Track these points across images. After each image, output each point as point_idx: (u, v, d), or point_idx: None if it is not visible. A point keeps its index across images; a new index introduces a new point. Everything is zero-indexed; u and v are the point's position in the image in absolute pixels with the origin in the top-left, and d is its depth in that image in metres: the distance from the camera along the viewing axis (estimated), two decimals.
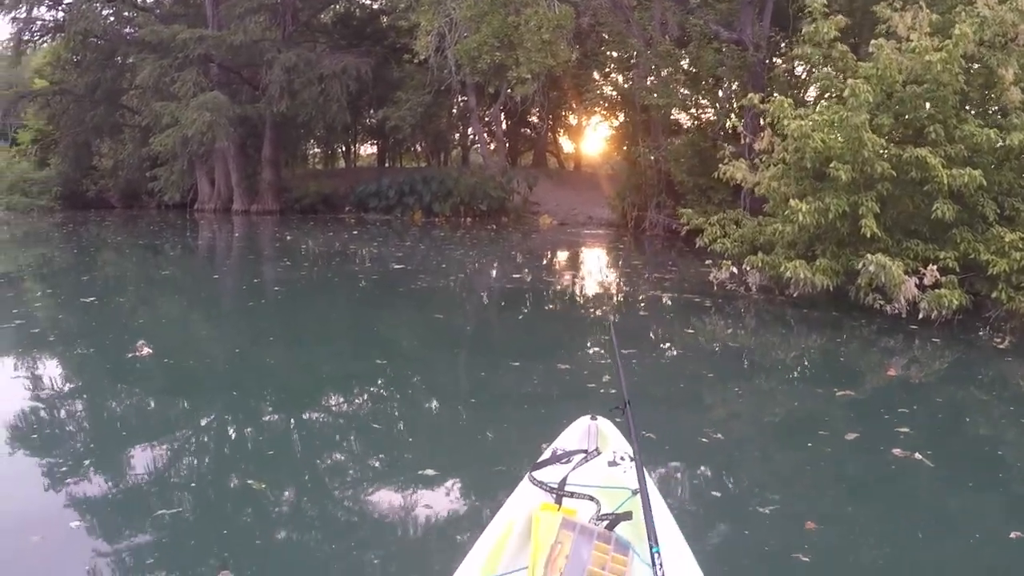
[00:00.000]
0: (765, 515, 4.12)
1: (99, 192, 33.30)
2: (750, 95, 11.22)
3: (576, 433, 3.30)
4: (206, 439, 5.47)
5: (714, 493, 4.43)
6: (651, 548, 2.09)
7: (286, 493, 4.46)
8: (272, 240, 21.71)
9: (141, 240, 21.42)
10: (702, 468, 4.85)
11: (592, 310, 11.14)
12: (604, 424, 3.30)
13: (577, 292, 13.18)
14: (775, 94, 10.70)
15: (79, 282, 13.06)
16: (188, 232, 24.52)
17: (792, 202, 9.41)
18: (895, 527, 4.13)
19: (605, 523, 2.40)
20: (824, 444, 5.25)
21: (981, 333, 8.72)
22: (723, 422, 5.88)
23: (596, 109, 27.61)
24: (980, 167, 8.91)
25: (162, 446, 5.12)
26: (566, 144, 42.06)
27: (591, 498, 2.59)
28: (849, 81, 9.38)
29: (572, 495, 2.61)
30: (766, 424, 6.06)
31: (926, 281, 8.76)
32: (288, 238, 21.79)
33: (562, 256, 19.36)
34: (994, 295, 8.79)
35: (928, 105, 9.59)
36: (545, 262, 18.09)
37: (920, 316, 8.75)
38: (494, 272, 15.88)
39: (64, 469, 4.68)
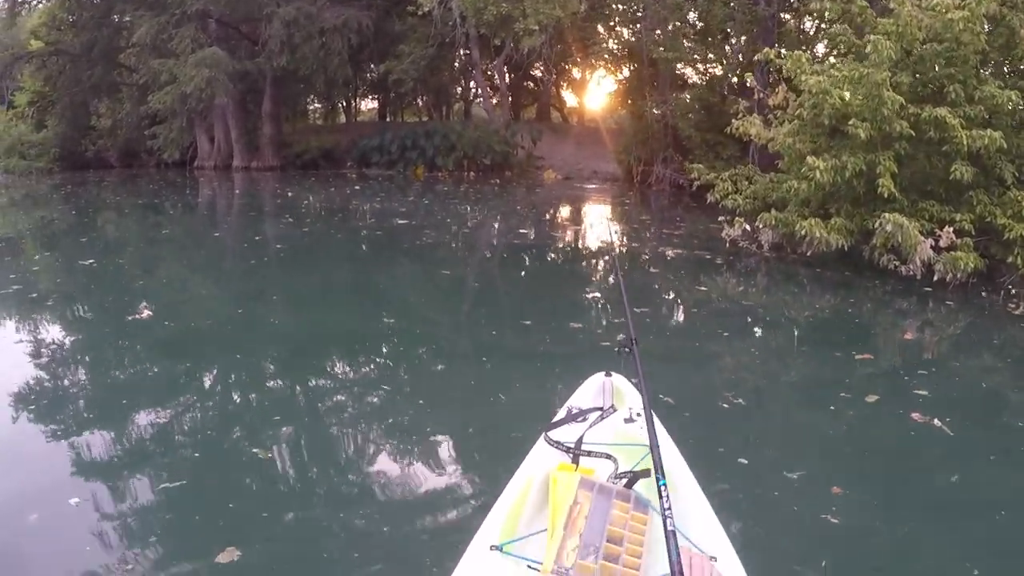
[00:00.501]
0: (792, 479, 4.05)
1: (98, 152, 32.93)
2: (765, 50, 10.93)
3: (591, 390, 3.25)
4: (210, 406, 5.35)
5: (740, 459, 4.32)
6: (657, 481, 2.03)
7: (293, 462, 4.36)
8: (273, 196, 21.47)
9: (141, 199, 21.22)
10: (725, 433, 4.72)
11: (601, 267, 10.98)
12: (619, 380, 3.26)
13: (585, 248, 13.01)
14: (783, 50, 10.43)
15: (78, 244, 12.92)
16: (188, 190, 24.27)
17: (809, 159, 9.18)
18: (919, 492, 4.05)
19: (623, 481, 2.37)
20: (847, 407, 5.16)
21: (995, 297, 8.55)
22: (742, 384, 5.75)
23: (601, 63, 27.14)
24: (999, 129, 8.67)
25: (165, 415, 5.01)
26: (570, 98, 41.50)
27: (608, 456, 2.56)
28: (871, 37, 9.08)
29: (589, 454, 2.58)
30: (785, 386, 5.97)
31: (942, 243, 8.59)
32: (289, 194, 21.56)
33: (568, 211, 19.16)
34: (1009, 260, 8.63)
35: (946, 63, 9.31)
36: (550, 217, 17.91)
37: (935, 278, 8.59)
38: (499, 227, 15.70)
39: (63, 441, 4.57)
